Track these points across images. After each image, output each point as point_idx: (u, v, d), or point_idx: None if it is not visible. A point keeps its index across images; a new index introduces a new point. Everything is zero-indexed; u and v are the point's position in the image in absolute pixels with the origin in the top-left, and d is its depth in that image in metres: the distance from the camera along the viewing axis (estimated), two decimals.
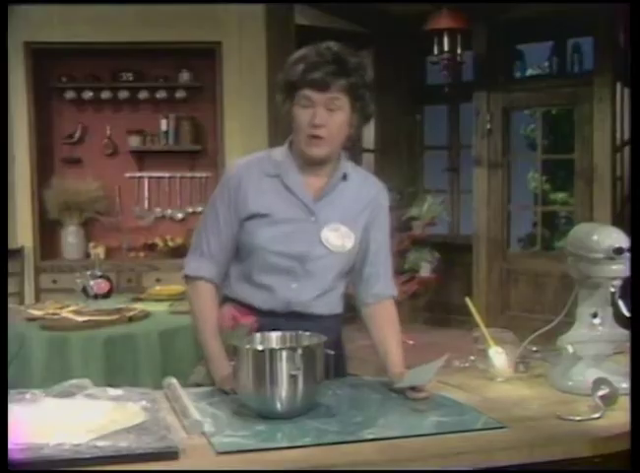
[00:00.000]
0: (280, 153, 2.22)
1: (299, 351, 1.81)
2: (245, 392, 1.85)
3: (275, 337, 2.00)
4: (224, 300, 2.25)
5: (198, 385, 2.16)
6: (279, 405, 1.80)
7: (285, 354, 1.80)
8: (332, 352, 1.89)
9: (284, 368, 1.79)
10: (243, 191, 2.17)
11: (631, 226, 1.95)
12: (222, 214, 2.20)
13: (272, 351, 1.85)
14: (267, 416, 1.80)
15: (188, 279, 2.24)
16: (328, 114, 2.08)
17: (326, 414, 1.84)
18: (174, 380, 2.03)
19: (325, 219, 2.17)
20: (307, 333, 1.96)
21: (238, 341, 1.93)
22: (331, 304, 2.24)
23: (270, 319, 2.14)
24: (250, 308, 2.19)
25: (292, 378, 1.79)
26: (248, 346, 1.90)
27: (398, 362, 2.14)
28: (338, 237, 2.17)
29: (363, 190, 2.25)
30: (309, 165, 2.18)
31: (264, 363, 1.80)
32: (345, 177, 2.22)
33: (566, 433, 1.73)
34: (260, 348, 1.92)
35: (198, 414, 1.77)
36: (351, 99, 2.10)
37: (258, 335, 2.00)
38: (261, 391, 1.80)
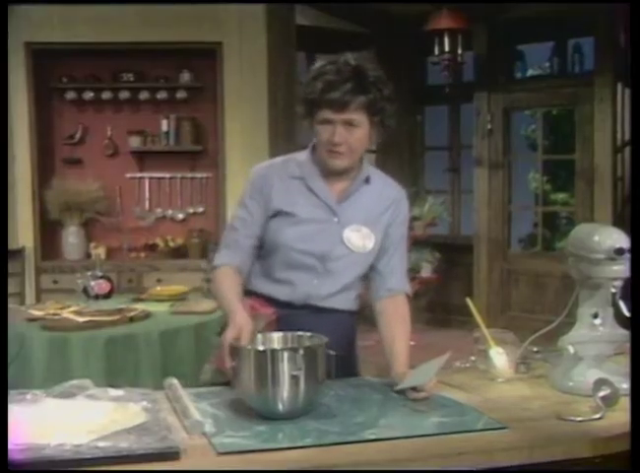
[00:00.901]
0: (303, 156, 2.29)
1: (301, 351, 1.81)
2: (247, 393, 1.85)
3: (276, 338, 2.01)
4: (244, 294, 2.28)
5: (208, 384, 2.16)
6: (280, 406, 1.80)
7: (286, 354, 1.81)
8: (333, 352, 1.89)
9: (285, 368, 1.79)
10: (268, 188, 2.23)
11: (631, 226, 1.95)
12: (250, 207, 2.25)
13: (273, 351, 1.85)
14: (268, 416, 1.81)
15: (213, 270, 2.28)
16: (347, 131, 2.13)
17: (327, 414, 1.85)
18: (175, 381, 2.03)
19: (347, 220, 2.23)
20: (309, 334, 1.97)
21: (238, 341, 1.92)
22: (347, 301, 2.30)
23: (287, 311, 2.21)
24: (269, 300, 2.24)
25: (294, 379, 1.79)
26: (249, 346, 1.90)
27: (403, 362, 2.14)
28: (359, 238, 2.23)
29: (385, 192, 2.31)
30: (331, 173, 2.24)
31: (265, 363, 1.80)
32: (367, 180, 2.28)
33: (567, 433, 1.73)
34: (261, 348, 1.92)
35: (199, 414, 1.77)
36: (369, 114, 2.14)
37: (260, 336, 2.01)
38: (262, 392, 1.80)
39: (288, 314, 2.20)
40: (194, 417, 1.75)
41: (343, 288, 2.26)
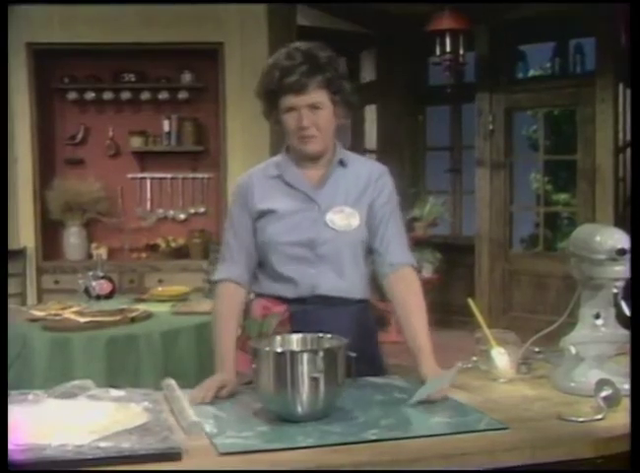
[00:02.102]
0: (279, 157, 2.34)
1: (321, 353, 1.80)
2: (266, 395, 1.84)
3: (295, 339, 1.99)
4: (255, 296, 2.34)
5: None
6: (300, 408, 1.78)
7: (306, 356, 1.79)
8: (354, 354, 1.87)
9: (305, 370, 1.77)
10: (251, 194, 2.29)
11: (631, 226, 1.95)
12: (236, 217, 2.32)
13: (293, 353, 1.83)
14: (287, 419, 1.79)
15: (215, 284, 2.32)
16: (313, 113, 2.18)
17: (329, 415, 1.84)
18: (172, 381, 2.03)
19: (328, 204, 2.26)
20: (328, 335, 1.96)
21: (258, 343, 1.93)
22: (355, 289, 2.30)
23: (299, 307, 2.24)
24: (279, 299, 2.27)
25: (314, 381, 1.77)
26: (268, 348, 1.89)
27: (427, 354, 2.10)
28: (343, 218, 2.25)
29: (364, 171, 2.32)
30: (306, 160, 2.28)
31: (285, 365, 1.78)
32: (342, 163, 2.31)
33: (569, 434, 1.73)
34: (280, 350, 1.90)
35: (195, 415, 1.76)
36: (329, 93, 2.20)
37: (278, 338, 2.00)
38: (282, 394, 1.78)
39: (300, 310, 2.23)
40: (190, 418, 1.74)
41: (344, 274, 2.26)
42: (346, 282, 2.27)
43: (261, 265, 2.32)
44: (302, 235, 2.23)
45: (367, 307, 2.35)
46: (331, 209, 2.25)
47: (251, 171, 2.37)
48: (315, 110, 2.17)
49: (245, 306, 2.33)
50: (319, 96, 2.17)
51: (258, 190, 2.29)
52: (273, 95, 2.19)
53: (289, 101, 2.16)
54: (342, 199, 2.27)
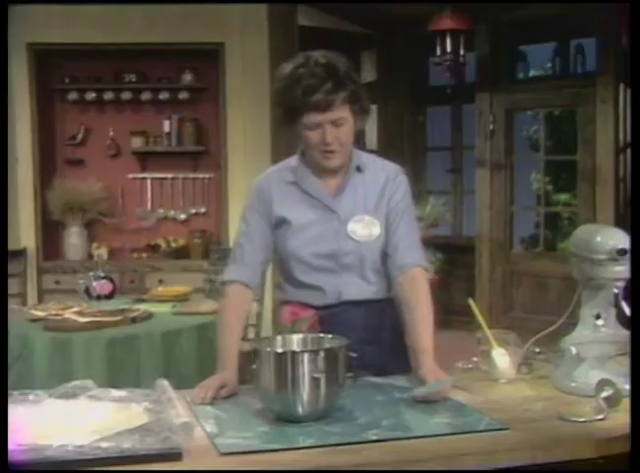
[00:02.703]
0: (294, 161, 2.32)
1: (322, 353, 1.80)
2: (267, 395, 1.84)
3: (296, 340, 1.99)
4: (282, 303, 2.35)
5: None
6: (300, 408, 1.78)
7: (307, 356, 1.79)
8: (354, 354, 1.88)
9: (306, 370, 1.78)
10: (269, 198, 2.27)
11: (631, 227, 1.95)
12: (252, 220, 2.30)
13: (294, 353, 1.84)
14: (288, 419, 1.80)
15: (224, 285, 2.30)
16: (336, 128, 2.16)
17: (330, 415, 1.84)
18: (165, 382, 2.02)
19: (347, 213, 2.25)
20: (330, 336, 1.96)
21: (260, 344, 1.93)
22: (379, 290, 2.31)
23: (327, 310, 2.25)
24: (307, 305, 2.28)
25: (315, 381, 1.78)
26: (269, 348, 1.89)
27: (429, 357, 2.10)
28: (364, 227, 2.25)
29: (380, 174, 2.33)
30: (325, 171, 2.27)
31: (286, 366, 1.78)
32: (359, 169, 2.30)
33: (570, 434, 1.73)
34: (281, 351, 1.90)
35: (187, 416, 1.75)
36: (351, 105, 2.18)
37: (279, 338, 2.00)
38: (283, 394, 1.79)
39: (329, 313, 2.24)
40: (181, 419, 1.74)
41: (369, 278, 2.27)
42: (370, 286, 2.29)
43: (283, 274, 2.32)
44: (324, 247, 2.24)
45: (392, 304, 2.34)
46: (351, 218, 2.25)
47: (268, 174, 2.34)
48: (338, 126, 2.16)
49: (273, 313, 2.36)
50: (342, 112, 2.15)
51: (277, 196, 2.27)
52: (294, 110, 2.15)
53: (314, 118, 2.13)
54: (361, 206, 2.26)
